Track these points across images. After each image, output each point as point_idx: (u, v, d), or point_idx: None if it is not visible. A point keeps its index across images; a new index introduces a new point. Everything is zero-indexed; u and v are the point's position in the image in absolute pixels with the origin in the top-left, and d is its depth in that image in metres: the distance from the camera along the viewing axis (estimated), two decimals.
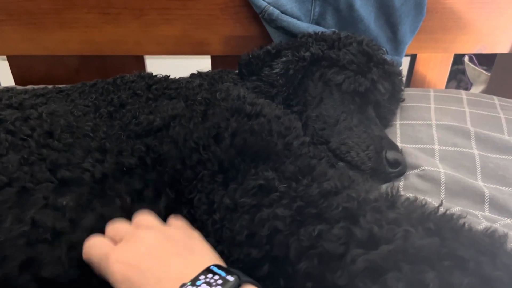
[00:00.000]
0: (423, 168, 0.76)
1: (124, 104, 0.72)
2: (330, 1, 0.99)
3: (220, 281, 0.39)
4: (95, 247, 0.48)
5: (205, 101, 0.66)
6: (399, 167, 0.76)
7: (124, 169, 0.59)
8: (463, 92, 1.03)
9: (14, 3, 1.02)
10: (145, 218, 0.50)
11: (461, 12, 1.08)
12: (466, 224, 0.40)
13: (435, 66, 1.17)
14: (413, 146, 0.83)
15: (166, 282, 0.40)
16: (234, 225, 0.47)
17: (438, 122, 0.88)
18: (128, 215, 0.53)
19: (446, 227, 0.39)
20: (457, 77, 1.84)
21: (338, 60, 0.85)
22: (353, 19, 1.00)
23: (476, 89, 1.51)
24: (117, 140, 0.63)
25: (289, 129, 0.60)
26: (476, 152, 0.80)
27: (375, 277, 0.35)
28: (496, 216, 0.68)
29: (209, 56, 1.14)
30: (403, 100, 0.94)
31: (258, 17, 1.02)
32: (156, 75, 0.82)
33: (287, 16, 0.97)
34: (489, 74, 1.40)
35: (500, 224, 0.66)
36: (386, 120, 0.90)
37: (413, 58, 1.19)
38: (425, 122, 0.89)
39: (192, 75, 0.89)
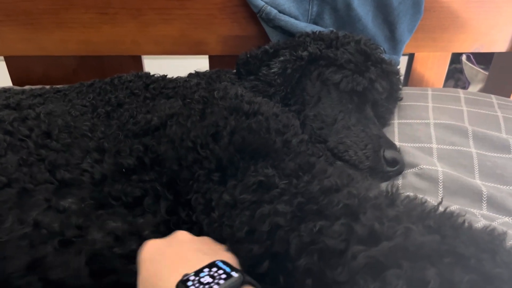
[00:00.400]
0: (421, 167, 0.76)
1: (122, 103, 0.72)
2: (328, 1, 0.99)
3: (223, 276, 0.38)
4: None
5: (202, 99, 0.65)
6: (397, 166, 0.77)
7: (123, 170, 0.59)
8: (460, 91, 1.03)
9: (11, 4, 1.02)
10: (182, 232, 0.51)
11: (458, 11, 1.08)
12: (466, 222, 0.40)
13: (433, 65, 1.17)
14: (411, 145, 0.83)
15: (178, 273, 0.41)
16: (234, 222, 0.47)
17: (436, 121, 0.88)
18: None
19: (446, 225, 0.39)
20: (455, 76, 1.85)
21: (336, 59, 0.85)
22: (351, 18, 1.00)
23: (474, 88, 1.51)
24: (115, 140, 0.63)
25: (287, 127, 0.60)
26: (474, 150, 0.80)
27: (376, 274, 0.35)
28: (494, 214, 0.69)
29: (207, 56, 1.14)
30: (401, 99, 0.94)
31: (255, 17, 1.02)
32: (153, 75, 0.82)
33: (285, 16, 0.97)
34: (486, 73, 1.41)
35: (497, 222, 0.66)
36: (384, 119, 0.90)
37: (411, 57, 1.19)
38: (423, 121, 0.89)
39: (190, 74, 0.89)
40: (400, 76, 0.92)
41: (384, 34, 1.05)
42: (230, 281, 0.38)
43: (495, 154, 0.79)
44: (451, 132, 0.85)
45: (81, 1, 1.03)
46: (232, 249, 0.47)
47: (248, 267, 0.44)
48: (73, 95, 0.77)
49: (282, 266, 0.42)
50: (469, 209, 0.69)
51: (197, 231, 0.55)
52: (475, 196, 0.71)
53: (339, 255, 0.38)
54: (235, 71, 0.91)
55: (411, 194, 0.46)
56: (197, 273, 0.39)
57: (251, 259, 0.44)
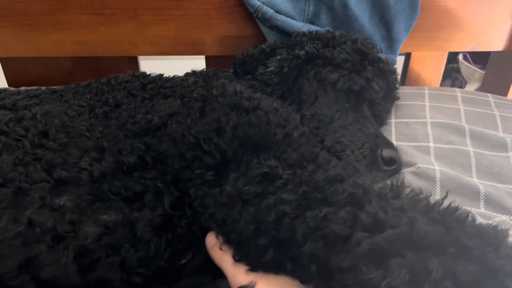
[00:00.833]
0: (418, 165, 0.76)
1: (120, 104, 0.72)
2: (324, 0, 0.99)
3: None
4: None
5: (201, 97, 0.65)
6: (394, 165, 0.76)
7: (124, 168, 0.59)
8: (457, 90, 1.03)
9: (7, 4, 1.02)
10: None
11: (455, 10, 1.08)
12: (470, 217, 0.40)
13: (429, 64, 1.17)
14: (408, 144, 0.83)
15: None
16: (239, 222, 0.47)
17: (433, 120, 0.88)
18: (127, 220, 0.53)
19: (450, 217, 0.39)
20: (452, 75, 1.85)
21: (333, 58, 0.85)
22: (348, 18, 1.01)
23: (471, 87, 1.52)
24: (115, 139, 0.63)
25: (287, 120, 0.60)
26: (471, 149, 0.80)
27: (379, 262, 0.35)
28: (491, 212, 0.69)
29: (203, 57, 1.14)
30: (398, 98, 0.94)
31: (252, 17, 1.02)
32: (149, 74, 0.82)
33: (281, 15, 0.97)
34: (483, 72, 1.41)
35: (495, 220, 0.66)
36: (381, 119, 0.90)
37: (408, 56, 1.19)
38: (420, 120, 0.89)
39: (187, 74, 0.89)
40: (396, 75, 0.92)
41: (380, 33, 1.05)
42: None
43: (492, 153, 0.79)
44: (448, 131, 0.85)
45: (77, 2, 1.02)
46: (240, 247, 0.47)
47: (253, 256, 0.44)
48: (70, 96, 0.77)
49: (287, 253, 0.43)
50: (466, 207, 0.69)
51: (200, 227, 0.55)
52: (472, 194, 0.71)
53: (343, 241, 0.38)
54: (232, 70, 0.91)
55: (417, 188, 0.46)
56: None
57: (256, 250, 0.44)
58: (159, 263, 0.54)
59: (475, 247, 0.35)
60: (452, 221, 0.38)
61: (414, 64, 1.17)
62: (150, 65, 1.22)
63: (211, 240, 0.52)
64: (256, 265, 0.45)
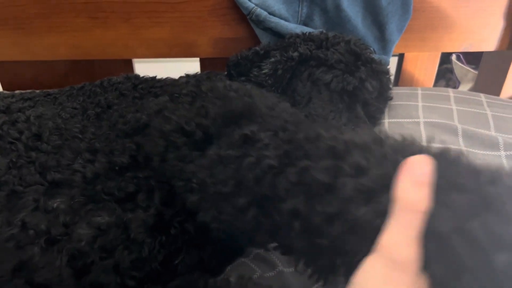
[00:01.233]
0: None
1: (111, 104, 0.72)
2: (317, 2, 1.00)
3: None
4: None
5: (191, 93, 0.65)
6: None
7: (117, 168, 0.59)
8: (450, 90, 1.04)
9: (1, 9, 1.02)
10: None
11: (447, 10, 1.09)
12: (465, 158, 0.38)
13: (422, 65, 1.18)
14: None
15: None
16: (218, 178, 0.45)
17: (426, 120, 0.89)
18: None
19: (441, 158, 0.37)
20: (446, 76, 1.86)
21: (326, 59, 0.85)
22: (341, 19, 1.01)
23: (464, 87, 1.53)
24: (107, 140, 0.63)
25: (276, 104, 0.58)
26: (463, 148, 0.81)
27: (367, 200, 0.34)
28: None
29: (198, 59, 1.15)
30: (391, 99, 0.94)
31: (246, 19, 1.02)
32: (143, 76, 0.83)
33: (275, 17, 0.98)
34: (476, 72, 1.42)
35: None
36: (374, 119, 0.91)
37: (401, 57, 1.20)
38: (413, 120, 0.89)
39: (181, 77, 0.89)
40: (389, 75, 0.93)
41: (374, 34, 1.06)
42: None
43: (484, 152, 0.80)
44: (441, 130, 0.86)
45: (72, 5, 1.03)
46: (219, 208, 0.45)
47: (233, 220, 0.43)
48: (63, 98, 0.77)
49: (268, 212, 0.41)
50: None
51: (193, 225, 0.54)
52: None
53: (327, 189, 0.37)
54: (225, 72, 0.91)
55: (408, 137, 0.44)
56: None
57: (236, 210, 0.43)
58: (152, 265, 0.54)
59: (467, 181, 0.33)
60: (443, 161, 0.36)
61: (407, 65, 1.18)
62: (145, 67, 1.22)
63: None
64: (236, 226, 0.44)
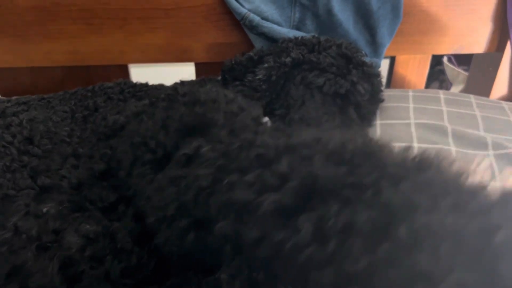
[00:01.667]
0: None
1: (98, 107, 0.73)
2: (309, 7, 1.02)
3: None
4: None
5: (167, 97, 0.65)
6: None
7: (97, 174, 0.58)
8: (441, 91, 1.06)
9: None
10: None
11: (437, 14, 1.11)
12: (397, 147, 0.36)
13: (414, 67, 1.20)
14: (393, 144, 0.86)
15: None
16: (163, 203, 0.44)
17: (416, 121, 0.91)
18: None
19: (360, 153, 0.35)
20: (440, 77, 1.88)
21: (319, 63, 0.87)
22: (332, 23, 1.03)
23: (456, 88, 1.55)
24: (89, 144, 0.63)
25: (243, 109, 0.58)
26: (453, 148, 0.83)
27: (285, 221, 0.31)
28: None
29: (193, 64, 1.16)
30: (383, 101, 0.96)
31: (239, 24, 1.04)
32: (135, 82, 0.84)
33: (268, 22, 1.00)
34: (467, 73, 1.44)
35: None
36: (367, 121, 0.93)
37: (392, 59, 1.22)
38: (404, 121, 0.91)
39: (175, 83, 0.91)
40: (381, 78, 0.95)
41: (365, 38, 1.08)
42: None
43: (473, 151, 0.82)
44: (431, 131, 0.87)
45: (67, 13, 1.04)
46: (165, 231, 0.43)
47: (173, 244, 0.41)
48: (56, 102, 0.78)
49: (206, 234, 0.39)
50: None
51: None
52: None
53: (248, 208, 0.34)
54: (220, 77, 0.93)
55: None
56: None
57: (178, 233, 0.41)
58: (144, 271, 0.52)
59: (372, 185, 0.31)
60: (361, 157, 0.34)
61: (398, 67, 1.20)
62: (141, 72, 1.24)
63: None
64: (179, 249, 0.41)
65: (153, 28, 1.08)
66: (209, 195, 0.38)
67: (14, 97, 0.96)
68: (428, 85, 1.82)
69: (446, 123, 0.90)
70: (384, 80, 1.28)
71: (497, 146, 0.82)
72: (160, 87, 0.78)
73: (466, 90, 1.33)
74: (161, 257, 0.53)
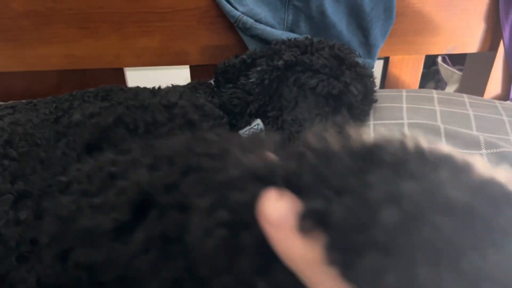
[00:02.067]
0: None
1: (70, 109, 0.73)
2: (303, 9, 1.03)
3: None
4: None
5: (125, 100, 0.65)
6: None
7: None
8: (434, 91, 1.06)
9: None
10: None
11: (430, 14, 1.12)
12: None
13: (407, 68, 1.21)
14: None
15: None
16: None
17: (410, 121, 0.91)
18: None
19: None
20: (435, 78, 1.89)
21: (312, 64, 0.88)
22: (326, 25, 1.04)
23: (451, 88, 1.56)
24: (50, 148, 0.62)
25: (175, 105, 0.57)
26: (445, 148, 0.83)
27: (124, 238, 0.30)
28: None
29: (188, 67, 1.17)
30: (376, 101, 0.97)
31: (233, 27, 1.05)
32: (121, 87, 0.84)
33: (261, 24, 1.00)
34: (461, 73, 1.45)
35: None
36: (360, 121, 0.93)
37: (386, 60, 1.22)
38: (397, 121, 0.92)
39: (166, 88, 0.91)
40: (374, 78, 0.95)
41: (358, 39, 1.09)
42: None
43: (466, 151, 0.82)
44: (424, 131, 0.88)
45: (62, 17, 1.05)
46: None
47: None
48: (41, 105, 0.78)
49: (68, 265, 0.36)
50: None
51: None
52: None
53: (95, 232, 0.32)
54: (212, 80, 0.93)
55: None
56: None
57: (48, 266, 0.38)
58: None
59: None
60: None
61: (392, 68, 1.21)
62: (137, 76, 1.25)
63: None
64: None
65: (148, 32, 1.09)
66: (71, 223, 0.35)
67: (10, 102, 0.96)
68: (424, 85, 1.83)
69: (439, 122, 0.90)
70: (378, 80, 1.29)
71: (490, 145, 0.83)
72: (128, 90, 0.78)
73: (460, 89, 1.34)
74: None
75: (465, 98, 1.03)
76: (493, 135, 0.87)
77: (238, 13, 1.00)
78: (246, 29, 1.01)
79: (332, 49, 0.90)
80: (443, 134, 0.87)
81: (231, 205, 0.25)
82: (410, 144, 0.26)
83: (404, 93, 1.04)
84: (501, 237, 0.20)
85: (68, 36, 1.08)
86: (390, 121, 0.92)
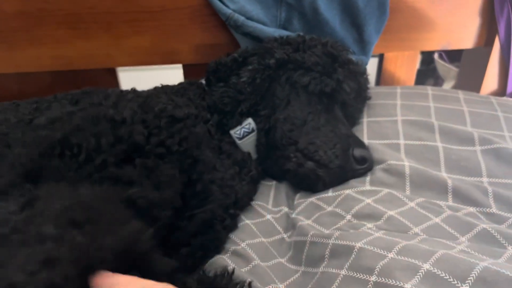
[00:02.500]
0: (388, 162, 0.78)
1: (48, 110, 0.73)
2: (295, 6, 1.01)
3: None
4: None
5: (90, 105, 0.65)
6: (366, 164, 0.79)
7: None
8: (429, 88, 1.05)
9: None
10: None
11: (424, 10, 1.11)
12: None
13: (402, 64, 1.20)
14: (379, 141, 0.85)
15: None
16: None
17: (403, 118, 0.90)
18: None
19: None
20: (434, 75, 1.88)
21: (304, 62, 0.87)
22: (319, 22, 1.03)
23: (448, 85, 1.55)
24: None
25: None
26: (440, 144, 0.82)
27: None
28: (459, 205, 0.71)
29: (181, 66, 1.16)
30: (369, 99, 0.96)
31: (226, 25, 1.04)
32: (105, 90, 0.83)
33: (252, 22, 0.99)
34: (457, 69, 1.44)
35: (462, 212, 0.68)
36: (353, 119, 0.92)
37: (381, 57, 1.21)
38: (391, 118, 0.91)
39: (156, 88, 0.90)
40: (367, 76, 0.94)
41: (352, 36, 1.08)
42: None
43: (460, 147, 0.82)
44: (418, 127, 0.87)
45: (52, 18, 1.04)
46: None
47: None
48: (23, 105, 0.77)
49: None
50: (435, 201, 0.71)
51: None
52: (440, 188, 0.73)
53: None
54: (203, 80, 0.92)
55: None
56: None
57: None
58: None
59: None
60: None
61: (387, 65, 1.20)
62: (129, 77, 1.24)
63: None
64: None
65: (139, 31, 1.07)
66: None
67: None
68: (423, 83, 1.82)
69: (433, 119, 0.90)
70: (373, 78, 1.28)
71: (484, 141, 0.82)
72: (97, 92, 0.78)
73: (457, 86, 1.32)
74: None
75: (460, 94, 1.02)
76: (487, 131, 0.86)
77: (229, 11, 0.99)
78: (238, 27, 1.00)
79: (324, 47, 0.89)
80: (437, 130, 0.86)
81: None
82: None
83: (398, 90, 1.03)
84: None
85: (59, 37, 1.07)
86: (383, 118, 0.91)
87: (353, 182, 0.78)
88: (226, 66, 0.89)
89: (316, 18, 1.02)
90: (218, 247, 0.69)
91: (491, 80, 1.20)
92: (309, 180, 0.79)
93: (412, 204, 0.69)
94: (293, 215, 0.77)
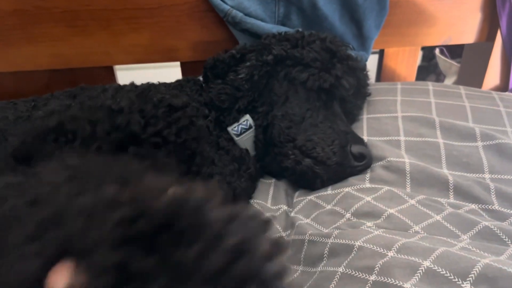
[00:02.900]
0: (388, 159, 0.77)
1: (45, 106, 0.73)
2: (294, 1, 1.00)
3: None
4: None
5: (89, 99, 0.65)
6: (364, 160, 0.78)
7: None
8: (430, 83, 1.04)
9: None
10: None
11: (424, 4, 1.09)
12: None
13: (403, 60, 1.18)
14: (379, 138, 0.84)
15: None
16: None
17: (404, 114, 0.89)
18: None
19: None
20: (436, 71, 1.87)
21: (302, 58, 0.86)
22: (318, 18, 1.02)
23: (449, 80, 1.53)
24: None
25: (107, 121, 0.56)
26: (441, 141, 0.81)
27: None
28: (460, 202, 0.69)
29: (179, 64, 1.15)
30: (369, 95, 0.95)
31: (224, 22, 1.03)
32: (102, 85, 0.82)
33: (251, 18, 0.98)
34: (459, 65, 1.42)
35: (464, 210, 0.67)
36: (353, 115, 0.91)
37: (382, 53, 1.20)
38: (391, 115, 0.90)
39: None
40: (366, 72, 0.93)
41: (352, 31, 1.06)
42: None
43: (461, 143, 0.80)
44: (418, 124, 0.86)
45: (49, 15, 1.03)
46: None
47: None
48: (21, 103, 0.77)
49: None
50: (436, 198, 0.70)
51: None
52: (442, 185, 0.72)
53: None
54: (200, 77, 0.91)
55: None
56: None
57: None
58: None
59: None
60: None
61: (388, 60, 1.19)
62: (128, 75, 1.23)
63: None
64: None
65: (137, 28, 1.07)
66: None
67: None
68: (424, 79, 1.80)
69: (434, 115, 0.88)
70: (373, 74, 1.27)
71: (486, 137, 0.80)
72: (94, 88, 0.77)
73: (459, 81, 1.31)
74: None
75: (462, 89, 1.01)
76: (489, 127, 0.85)
77: (227, 7, 0.98)
78: (236, 23, 0.99)
79: (323, 42, 0.88)
80: (438, 126, 0.84)
81: None
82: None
83: (399, 86, 1.02)
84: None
85: (56, 35, 1.06)
86: (383, 115, 0.90)
87: (352, 179, 0.77)
88: (224, 62, 0.88)
89: (315, 13, 1.01)
90: None
91: (493, 75, 1.18)
92: (307, 177, 0.78)
93: (412, 201, 0.68)
94: (292, 214, 0.76)
